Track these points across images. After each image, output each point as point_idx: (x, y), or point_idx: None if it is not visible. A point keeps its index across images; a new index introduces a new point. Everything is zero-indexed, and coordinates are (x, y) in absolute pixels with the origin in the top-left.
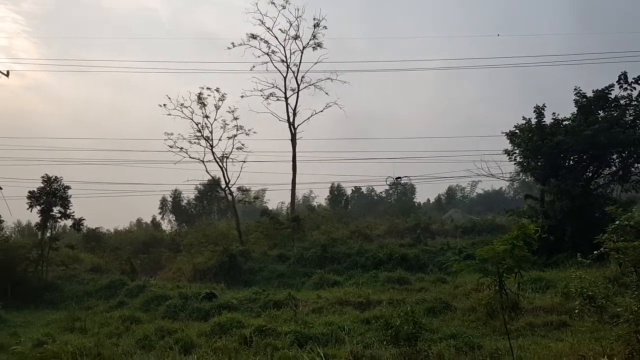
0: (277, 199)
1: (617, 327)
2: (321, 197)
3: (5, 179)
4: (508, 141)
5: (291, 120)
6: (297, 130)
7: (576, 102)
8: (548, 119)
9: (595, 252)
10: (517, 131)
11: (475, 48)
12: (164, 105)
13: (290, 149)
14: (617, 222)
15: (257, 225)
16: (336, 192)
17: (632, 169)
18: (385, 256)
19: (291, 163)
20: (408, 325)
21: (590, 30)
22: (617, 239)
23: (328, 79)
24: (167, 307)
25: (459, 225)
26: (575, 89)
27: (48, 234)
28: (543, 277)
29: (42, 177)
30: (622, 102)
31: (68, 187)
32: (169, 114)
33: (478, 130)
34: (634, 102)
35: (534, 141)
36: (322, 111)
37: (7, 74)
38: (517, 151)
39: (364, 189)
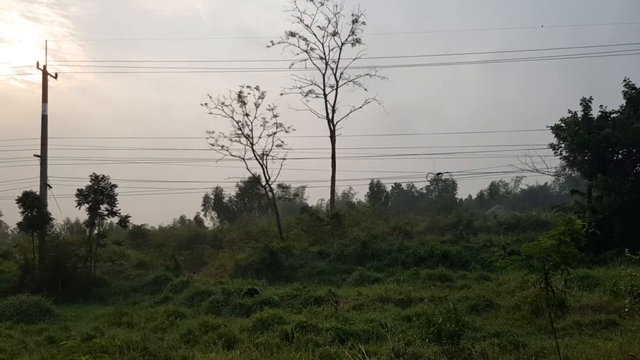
0: (316, 196)
1: None
2: (361, 194)
3: (55, 178)
4: (553, 135)
5: (330, 117)
6: (337, 127)
7: (625, 93)
8: (595, 112)
9: None
10: (562, 125)
11: (522, 39)
12: (206, 104)
13: (330, 145)
14: None
15: (297, 222)
16: (376, 189)
17: None
18: (426, 253)
19: (330, 160)
20: (450, 323)
21: None
22: None
23: (367, 74)
24: (210, 302)
25: (502, 221)
26: (624, 80)
27: (96, 231)
28: (590, 275)
29: (90, 175)
30: None
31: (115, 186)
32: (210, 113)
33: (523, 124)
34: None
35: (580, 135)
36: (361, 107)
37: (56, 76)
38: (562, 145)
39: (404, 185)
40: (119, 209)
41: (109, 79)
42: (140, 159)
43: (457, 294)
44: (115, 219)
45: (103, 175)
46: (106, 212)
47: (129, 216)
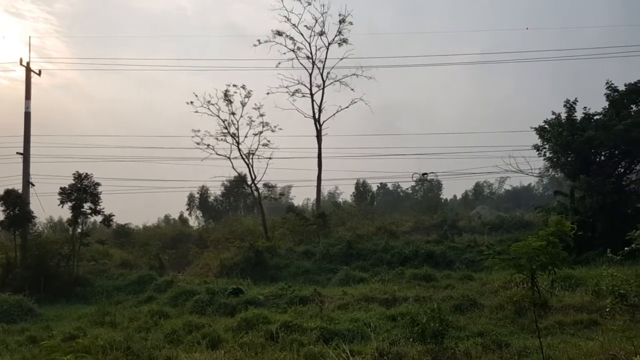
0: (302, 196)
1: None
2: (347, 194)
3: (38, 176)
4: (537, 136)
5: (317, 116)
6: (323, 127)
7: (608, 96)
8: (579, 114)
9: (626, 248)
10: (546, 126)
11: (510, 40)
12: (191, 102)
13: (316, 145)
14: None
15: (283, 222)
16: (362, 189)
17: None
18: (411, 253)
19: (317, 159)
20: (434, 322)
21: (630, 22)
22: None
23: (354, 74)
24: (194, 302)
25: (486, 222)
26: (606, 83)
27: (79, 230)
28: (573, 275)
29: (73, 174)
30: None
31: (98, 184)
32: (196, 111)
33: (507, 126)
34: None
35: (564, 136)
36: (347, 107)
37: (39, 73)
38: (546, 146)
39: (389, 185)
40: (103, 208)
41: (94, 76)
42: (124, 157)
43: (441, 293)
44: (99, 218)
45: (86, 174)
46: (89, 211)
47: (113, 215)
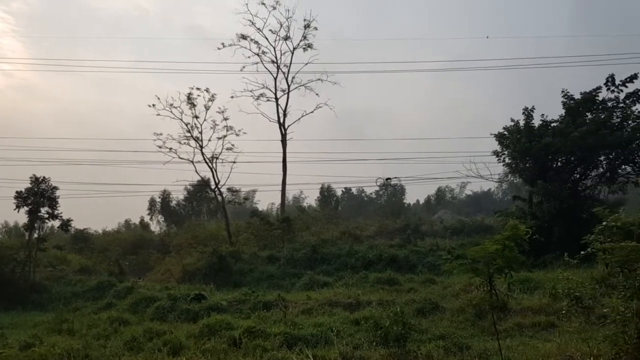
0: (267, 200)
1: (604, 328)
2: (311, 198)
3: None
4: (497, 143)
5: (281, 120)
6: (288, 131)
7: (564, 104)
8: (537, 121)
9: (582, 252)
10: (505, 133)
11: (473, 48)
12: (153, 105)
13: (281, 149)
14: (604, 223)
15: (247, 226)
16: (326, 193)
17: (619, 170)
18: (375, 257)
19: (281, 164)
20: (397, 326)
21: (589, 32)
22: (604, 239)
23: (318, 79)
24: (155, 308)
25: (448, 226)
26: (562, 91)
27: (36, 235)
28: (531, 278)
29: (30, 177)
30: (609, 104)
31: (56, 188)
32: (158, 114)
33: (469, 132)
34: (621, 105)
35: (522, 143)
36: (312, 112)
37: None
38: (505, 153)
39: (354, 190)
40: (61, 212)
41: (52, 77)
42: (83, 161)
43: (404, 297)
44: (57, 223)
45: (44, 177)
46: (47, 215)
47: (71, 220)
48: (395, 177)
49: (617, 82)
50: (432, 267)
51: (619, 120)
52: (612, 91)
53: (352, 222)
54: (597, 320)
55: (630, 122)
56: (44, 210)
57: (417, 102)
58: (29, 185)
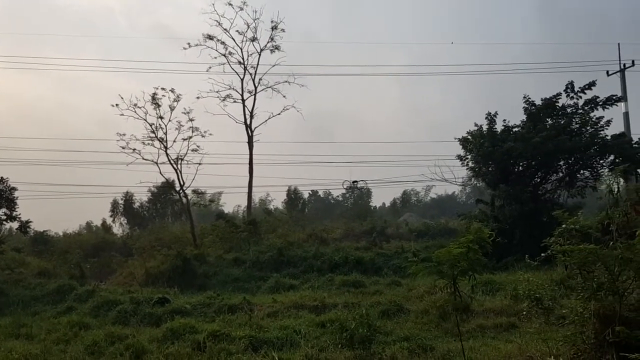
0: (233, 202)
1: (563, 328)
2: (278, 201)
3: None
4: (461, 147)
5: (248, 122)
6: (255, 133)
7: (525, 109)
8: (499, 126)
9: (542, 254)
10: (469, 137)
11: (437, 53)
12: (117, 105)
13: (247, 151)
14: (563, 226)
15: (213, 229)
16: (293, 196)
17: (578, 175)
18: (341, 260)
19: (248, 166)
20: (362, 328)
21: (554, 40)
22: (564, 242)
23: (286, 82)
24: (117, 312)
25: (413, 228)
26: (524, 97)
27: None
28: (493, 280)
29: None
30: (568, 110)
31: (14, 189)
32: (122, 114)
33: (434, 136)
34: (580, 111)
35: (485, 147)
36: (279, 114)
37: None
38: (469, 157)
39: (320, 193)
40: (19, 214)
41: (13, 75)
42: (43, 161)
43: (369, 299)
44: (15, 224)
45: (2, 177)
46: (4, 217)
47: (30, 221)
48: (362, 180)
49: (576, 89)
50: (397, 269)
51: (577, 126)
52: (572, 97)
53: (319, 224)
54: (557, 320)
55: (588, 128)
56: (1, 212)
57: (384, 105)
58: None
